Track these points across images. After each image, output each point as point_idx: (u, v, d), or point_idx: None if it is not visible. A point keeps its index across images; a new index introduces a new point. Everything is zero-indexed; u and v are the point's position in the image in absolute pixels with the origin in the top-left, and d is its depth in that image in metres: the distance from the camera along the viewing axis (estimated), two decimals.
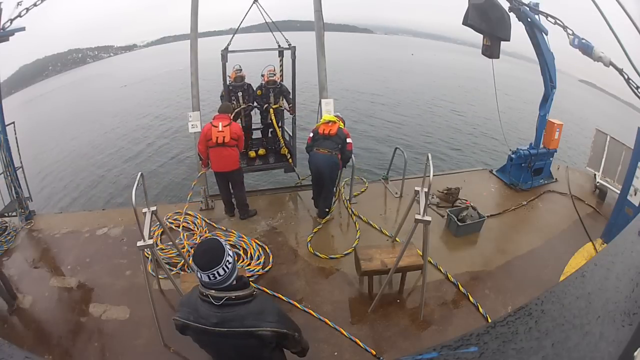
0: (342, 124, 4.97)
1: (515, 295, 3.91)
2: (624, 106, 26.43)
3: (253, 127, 6.48)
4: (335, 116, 5.01)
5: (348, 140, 4.84)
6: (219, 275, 1.57)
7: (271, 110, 6.01)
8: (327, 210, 5.23)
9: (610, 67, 4.51)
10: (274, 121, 6.06)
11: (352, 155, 5.06)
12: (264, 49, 5.76)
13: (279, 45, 5.78)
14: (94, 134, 16.35)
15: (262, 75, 6.00)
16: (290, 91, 6.01)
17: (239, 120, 5.92)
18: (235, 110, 5.77)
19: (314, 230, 5.01)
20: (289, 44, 5.66)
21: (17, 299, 3.93)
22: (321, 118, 5.24)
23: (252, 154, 6.27)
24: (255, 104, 6.09)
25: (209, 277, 1.57)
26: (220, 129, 4.74)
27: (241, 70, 5.90)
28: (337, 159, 4.84)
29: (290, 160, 6.08)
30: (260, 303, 1.70)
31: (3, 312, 3.81)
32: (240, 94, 5.91)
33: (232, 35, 5.43)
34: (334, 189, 5.23)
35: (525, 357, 0.69)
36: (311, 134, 4.99)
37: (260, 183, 9.61)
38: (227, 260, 1.59)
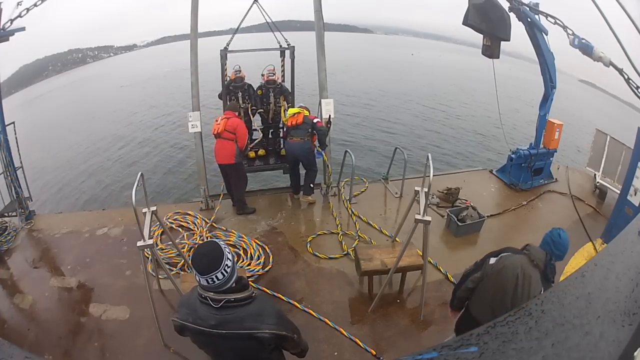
0: (307, 112, 5.31)
1: None
2: (624, 106, 26.41)
3: (253, 128, 6.46)
4: (299, 107, 5.37)
5: (315, 120, 5.24)
6: (218, 279, 1.56)
7: (273, 112, 6.09)
8: (311, 185, 5.48)
9: (610, 67, 4.52)
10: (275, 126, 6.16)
11: (328, 141, 5.45)
12: (263, 49, 5.78)
13: (280, 45, 5.79)
14: (94, 134, 16.34)
15: (262, 75, 6.05)
16: (290, 91, 6.04)
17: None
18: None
19: (316, 232, 5.01)
20: (288, 44, 5.69)
21: None
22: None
23: (252, 154, 6.25)
24: (257, 107, 6.09)
25: (207, 281, 1.56)
26: (218, 122, 5.02)
27: (240, 70, 5.90)
28: (310, 144, 5.32)
29: None
30: (260, 304, 1.69)
31: (3, 312, 3.81)
32: (240, 94, 5.93)
33: (232, 35, 5.44)
34: (314, 168, 5.51)
35: (525, 357, 0.69)
36: (284, 129, 5.44)
37: (259, 184, 9.59)
38: (226, 265, 1.57)
